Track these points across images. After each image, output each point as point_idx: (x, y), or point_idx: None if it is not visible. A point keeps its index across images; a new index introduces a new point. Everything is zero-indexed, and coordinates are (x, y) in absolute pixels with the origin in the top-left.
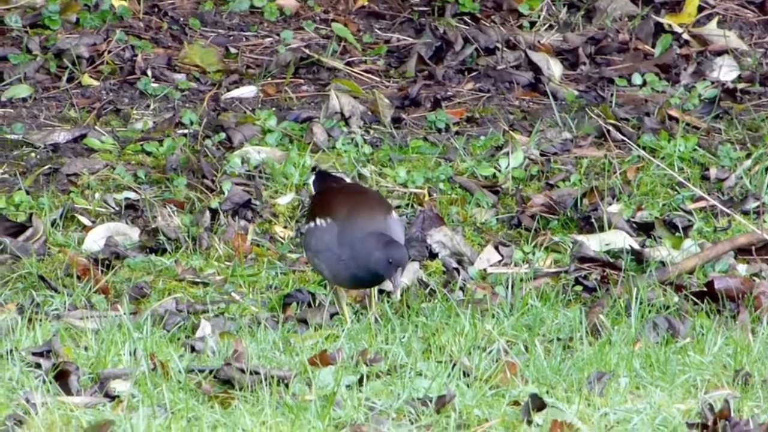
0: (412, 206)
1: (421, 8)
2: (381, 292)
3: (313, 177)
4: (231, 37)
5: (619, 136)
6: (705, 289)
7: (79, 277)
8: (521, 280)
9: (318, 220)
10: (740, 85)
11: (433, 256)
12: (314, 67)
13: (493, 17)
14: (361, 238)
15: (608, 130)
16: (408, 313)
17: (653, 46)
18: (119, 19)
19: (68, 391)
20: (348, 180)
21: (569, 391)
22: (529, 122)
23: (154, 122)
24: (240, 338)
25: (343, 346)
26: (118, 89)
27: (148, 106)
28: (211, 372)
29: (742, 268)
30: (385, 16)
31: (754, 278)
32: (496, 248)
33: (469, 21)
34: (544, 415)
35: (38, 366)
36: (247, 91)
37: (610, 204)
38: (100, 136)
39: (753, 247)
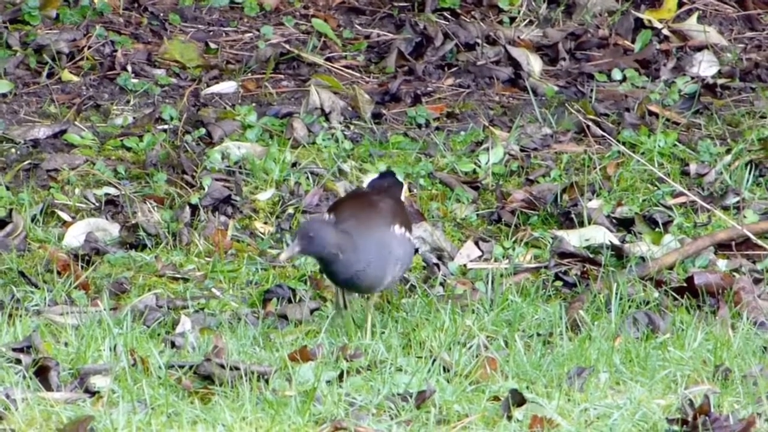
0: None
1: (401, 4)
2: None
3: (376, 176)
4: (211, 33)
5: (599, 132)
6: (685, 284)
7: (59, 273)
8: (501, 275)
9: (326, 214)
10: (720, 81)
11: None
12: (294, 62)
13: (473, 13)
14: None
15: (588, 126)
16: (388, 308)
17: (633, 42)
18: (99, 14)
19: (48, 387)
20: (404, 188)
21: (549, 387)
22: (509, 118)
23: (134, 118)
24: (220, 334)
25: (324, 342)
26: (98, 85)
27: (128, 101)
28: (191, 368)
29: (722, 264)
30: (365, 11)
31: (734, 274)
32: (476, 244)
33: (449, 16)
34: (525, 410)
35: (18, 362)
36: (227, 86)
37: (590, 199)
38: (80, 131)
39: (733, 243)
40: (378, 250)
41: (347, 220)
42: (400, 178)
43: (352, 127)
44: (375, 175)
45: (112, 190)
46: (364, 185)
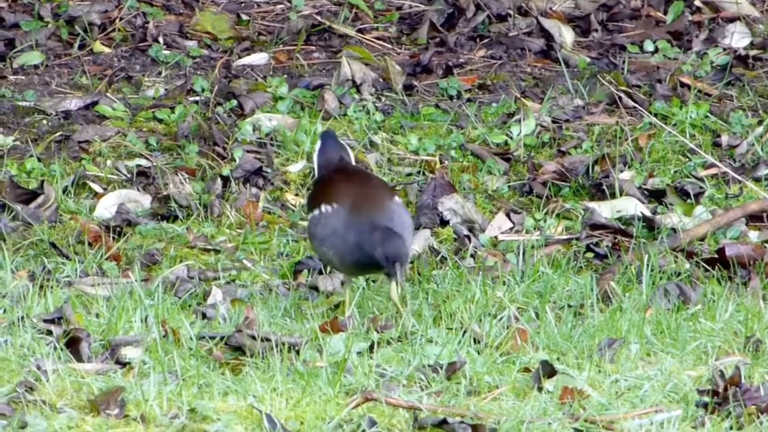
0: (424, 173)
1: None
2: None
3: (318, 143)
4: (242, 4)
5: (631, 103)
6: (716, 255)
7: (90, 244)
8: (532, 247)
9: (323, 207)
10: (752, 52)
11: (444, 223)
12: (326, 34)
13: None
14: (366, 228)
15: (620, 97)
16: (419, 280)
17: (665, 13)
18: None
19: (79, 358)
20: (350, 151)
21: (580, 358)
22: (540, 89)
23: (165, 89)
24: (251, 305)
25: (354, 313)
26: (130, 56)
27: (160, 73)
28: (222, 339)
29: (753, 235)
30: None
31: (766, 245)
32: (508, 215)
33: None
34: (555, 381)
35: (49, 333)
36: (259, 58)
37: (622, 171)
38: (111, 103)
39: (764, 214)
40: (401, 227)
41: (363, 207)
42: (342, 141)
43: (383, 98)
44: (318, 144)
45: (143, 162)
46: (315, 155)
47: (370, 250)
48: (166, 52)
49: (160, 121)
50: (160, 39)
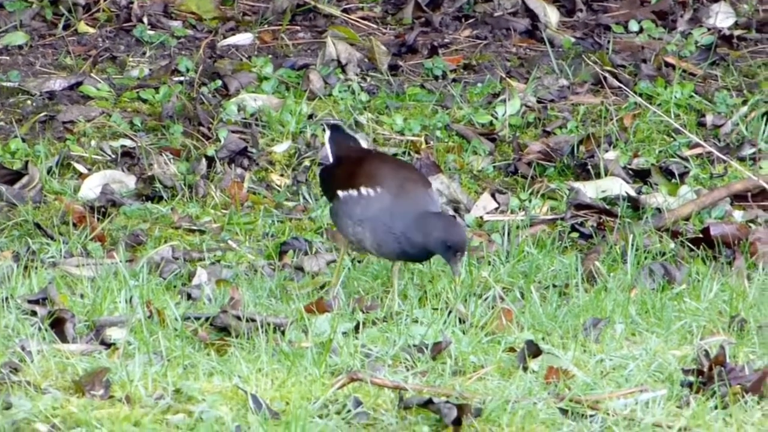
0: (409, 154)
1: None
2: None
3: (328, 133)
4: None
5: (616, 83)
6: (701, 235)
7: (75, 225)
8: (517, 227)
9: (363, 189)
10: (736, 32)
11: None
12: (311, 14)
13: None
14: (418, 215)
15: (605, 77)
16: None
17: None
18: None
19: (64, 339)
20: (361, 142)
21: (565, 338)
22: (526, 69)
23: (150, 70)
24: (236, 286)
25: (340, 294)
26: (114, 37)
27: (144, 53)
28: (207, 319)
29: (738, 215)
30: None
31: (750, 224)
32: (493, 196)
33: None
34: (540, 361)
35: (34, 314)
36: (244, 38)
37: (607, 151)
38: (96, 83)
39: (749, 194)
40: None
41: (411, 194)
42: (351, 132)
43: (368, 78)
44: (328, 133)
45: (128, 142)
46: (326, 143)
47: (422, 237)
48: (151, 32)
49: (145, 101)
50: (145, 19)
